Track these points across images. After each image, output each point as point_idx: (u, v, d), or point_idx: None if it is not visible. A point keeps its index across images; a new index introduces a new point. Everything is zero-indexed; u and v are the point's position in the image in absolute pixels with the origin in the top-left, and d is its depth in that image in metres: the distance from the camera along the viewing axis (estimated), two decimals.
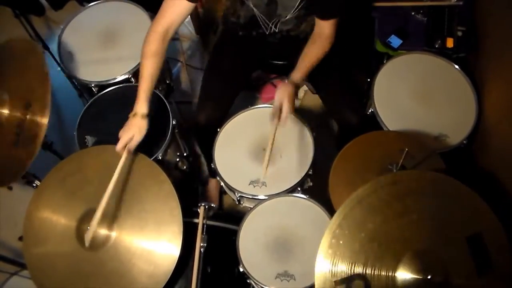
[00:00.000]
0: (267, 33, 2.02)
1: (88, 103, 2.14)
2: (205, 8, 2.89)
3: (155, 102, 1.93)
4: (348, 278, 1.35)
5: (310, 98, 2.70)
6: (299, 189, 1.90)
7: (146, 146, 1.89)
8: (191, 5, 1.78)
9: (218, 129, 2.03)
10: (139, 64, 2.12)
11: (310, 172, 1.91)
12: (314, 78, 2.12)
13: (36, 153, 1.78)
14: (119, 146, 1.75)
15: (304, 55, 1.88)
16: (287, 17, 1.93)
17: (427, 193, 1.45)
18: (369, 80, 2.14)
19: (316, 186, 2.00)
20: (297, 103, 2.70)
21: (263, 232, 1.80)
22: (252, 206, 1.87)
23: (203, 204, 1.81)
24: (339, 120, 2.08)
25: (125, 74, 2.16)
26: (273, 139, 1.75)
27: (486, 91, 1.95)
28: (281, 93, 1.76)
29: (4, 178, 1.86)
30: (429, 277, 1.31)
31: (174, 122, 2.02)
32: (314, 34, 1.91)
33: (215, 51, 2.22)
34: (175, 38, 2.79)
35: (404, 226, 1.40)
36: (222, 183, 1.97)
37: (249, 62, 2.17)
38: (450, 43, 2.04)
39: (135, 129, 1.77)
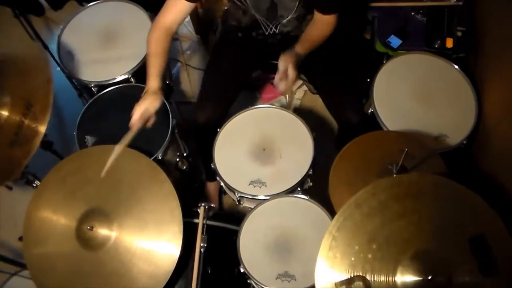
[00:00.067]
0: (266, 33, 2.02)
1: (88, 103, 2.13)
2: (204, 8, 2.89)
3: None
4: (349, 280, 1.35)
5: (310, 98, 2.70)
6: (299, 189, 1.90)
7: (146, 146, 1.90)
8: (191, 5, 1.80)
9: (218, 129, 2.03)
10: (139, 64, 2.15)
11: (310, 172, 1.91)
12: (315, 77, 2.13)
13: (33, 153, 1.78)
14: (135, 117, 1.77)
15: (306, 34, 1.91)
16: (288, 18, 1.94)
17: (427, 195, 1.44)
18: (368, 80, 2.14)
19: (316, 186, 2.00)
20: (297, 102, 2.70)
21: (263, 233, 1.80)
22: (252, 206, 1.88)
23: (203, 204, 1.81)
24: (340, 119, 2.08)
25: (124, 74, 2.15)
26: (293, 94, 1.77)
27: (486, 91, 1.95)
28: (285, 58, 1.82)
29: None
30: (429, 277, 1.31)
31: (174, 122, 2.02)
32: (314, 20, 1.91)
33: (214, 51, 2.22)
34: (175, 38, 2.79)
35: (403, 227, 1.40)
36: (222, 183, 1.97)
37: (249, 62, 2.18)
38: (449, 43, 2.04)
39: (148, 102, 1.79)
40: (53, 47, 2.36)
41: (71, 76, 2.22)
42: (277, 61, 2.00)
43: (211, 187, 2.40)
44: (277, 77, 1.83)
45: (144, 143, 1.95)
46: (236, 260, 1.76)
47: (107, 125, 2.06)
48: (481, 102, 1.95)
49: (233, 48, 2.12)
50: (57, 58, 2.26)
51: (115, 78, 2.16)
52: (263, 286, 1.71)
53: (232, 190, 1.93)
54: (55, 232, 1.71)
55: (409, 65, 2.06)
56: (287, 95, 2.11)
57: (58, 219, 1.73)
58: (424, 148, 1.76)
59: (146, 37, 1.88)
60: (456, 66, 2.03)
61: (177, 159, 2.20)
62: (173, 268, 1.61)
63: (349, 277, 1.36)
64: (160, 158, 1.97)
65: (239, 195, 1.92)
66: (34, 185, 1.99)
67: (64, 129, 2.74)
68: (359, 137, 1.83)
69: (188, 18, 2.60)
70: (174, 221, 1.66)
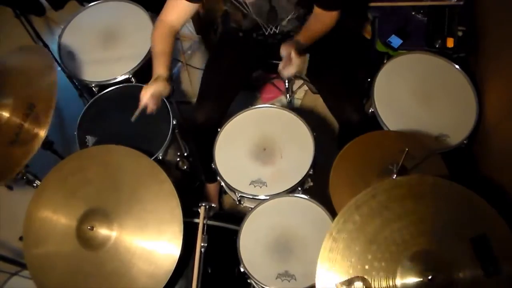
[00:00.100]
0: (267, 33, 2.03)
1: (89, 103, 2.14)
2: (205, 8, 2.89)
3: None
4: (349, 281, 1.35)
5: (310, 98, 2.70)
6: (299, 189, 1.90)
7: (146, 146, 1.90)
8: (193, 6, 1.80)
9: (219, 129, 2.03)
10: (139, 64, 2.15)
11: (311, 172, 1.91)
12: (316, 77, 2.12)
13: (32, 154, 1.79)
14: (145, 97, 1.78)
15: (307, 25, 1.92)
16: (288, 18, 1.94)
17: (427, 196, 1.44)
18: (369, 80, 2.14)
19: (316, 186, 2.00)
20: (297, 102, 2.70)
21: (263, 232, 1.80)
22: (252, 206, 1.87)
23: (203, 204, 1.81)
24: (340, 119, 2.07)
25: (125, 74, 2.16)
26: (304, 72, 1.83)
27: (486, 91, 1.95)
28: (286, 45, 1.83)
29: None
30: (429, 277, 1.31)
31: (174, 122, 2.02)
32: (315, 13, 1.92)
33: (214, 51, 2.22)
34: (175, 38, 2.79)
35: (403, 228, 1.40)
36: (222, 183, 1.97)
37: (249, 62, 2.18)
38: (450, 43, 2.04)
39: (157, 86, 1.80)
40: (54, 47, 2.36)
41: (71, 76, 2.23)
42: (278, 61, 2.01)
43: (211, 188, 2.39)
44: (281, 64, 1.83)
45: (145, 143, 1.96)
46: (236, 259, 1.76)
47: (108, 125, 2.07)
48: (482, 102, 1.94)
49: (233, 48, 2.12)
50: (57, 58, 2.26)
51: (115, 78, 2.16)
52: (263, 286, 1.71)
53: (233, 190, 1.92)
54: (55, 232, 1.72)
55: (409, 65, 2.05)
56: (288, 94, 2.11)
57: (58, 219, 1.73)
58: (425, 148, 1.76)
59: (146, 37, 1.89)
60: (457, 66, 2.02)
61: (178, 159, 2.20)
62: (173, 268, 1.61)
63: (349, 278, 1.36)
64: (160, 158, 1.97)
65: (239, 195, 1.92)
66: (35, 185, 1.99)
67: (64, 129, 2.74)
68: (360, 137, 1.83)
69: None
70: (175, 221, 1.66)
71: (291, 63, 1.81)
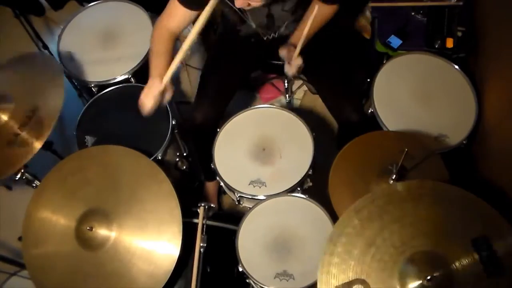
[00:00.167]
0: (265, 39, 2.03)
1: (88, 103, 2.14)
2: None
3: None
4: (349, 283, 1.35)
5: (310, 98, 2.70)
6: (299, 189, 1.90)
7: (146, 146, 1.90)
8: (194, 13, 1.79)
9: (218, 129, 2.03)
10: (139, 64, 2.15)
11: (310, 172, 1.91)
12: (315, 77, 2.12)
13: (30, 157, 1.81)
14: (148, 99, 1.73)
15: (305, 20, 1.89)
16: (285, 24, 1.94)
17: (426, 199, 1.45)
18: (369, 80, 2.14)
19: (316, 186, 2.00)
20: (297, 102, 2.70)
21: (262, 232, 1.80)
22: (251, 206, 1.87)
23: (202, 204, 1.81)
24: (340, 119, 2.07)
25: (125, 74, 2.16)
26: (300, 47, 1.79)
27: (486, 91, 1.95)
28: (285, 47, 1.85)
29: None
30: (428, 277, 1.31)
31: (174, 122, 2.02)
32: (314, 7, 1.91)
33: (213, 51, 2.22)
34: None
35: (402, 230, 1.40)
36: (222, 183, 1.97)
37: (247, 62, 2.17)
38: (450, 43, 2.04)
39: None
40: (53, 47, 2.37)
41: (71, 76, 2.23)
42: (276, 61, 2.02)
43: (210, 187, 2.39)
44: (285, 67, 1.87)
45: (144, 143, 1.96)
46: (235, 259, 1.76)
47: (107, 125, 2.07)
48: (481, 102, 1.95)
49: (232, 48, 2.12)
50: (57, 58, 2.26)
51: (115, 78, 2.16)
52: (262, 285, 1.71)
53: (232, 190, 1.93)
54: (54, 232, 1.72)
55: (409, 65, 2.06)
56: (287, 95, 2.11)
57: (57, 219, 1.73)
58: (424, 148, 1.76)
59: (146, 37, 1.88)
60: (456, 66, 2.02)
61: (177, 159, 2.20)
62: (173, 268, 1.61)
63: (349, 281, 1.36)
64: (160, 158, 1.97)
65: (238, 195, 1.92)
66: (34, 185, 1.99)
67: (64, 129, 2.73)
68: (359, 137, 1.83)
69: None
70: (174, 221, 1.66)
71: (291, 64, 1.83)
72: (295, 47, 1.80)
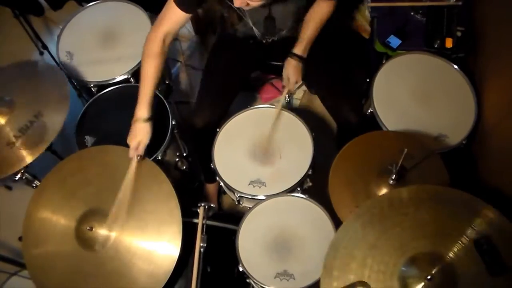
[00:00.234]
0: (264, 42, 2.03)
1: (88, 103, 2.14)
2: (204, 8, 2.89)
3: (154, 103, 1.93)
4: (350, 286, 1.36)
5: (309, 98, 2.70)
6: (298, 189, 1.90)
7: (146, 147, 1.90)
8: (187, 15, 1.80)
9: (218, 129, 2.03)
10: (138, 64, 2.14)
11: (310, 172, 1.91)
12: (313, 78, 2.12)
13: (29, 161, 1.83)
14: (131, 153, 1.78)
15: (307, 21, 1.94)
16: (288, 27, 1.95)
17: (427, 203, 1.46)
18: (368, 80, 2.14)
19: (315, 186, 2.00)
20: (297, 102, 2.70)
21: (262, 232, 1.80)
22: (251, 206, 1.87)
23: (202, 204, 1.81)
24: (339, 120, 2.08)
25: (124, 74, 2.16)
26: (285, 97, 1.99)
27: (485, 91, 1.95)
28: (287, 67, 1.98)
29: None
30: (428, 277, 1.31)
31: (173, 122, 2.02)
32: (315, 5, 1.93)
33: (212, 53, 2.21)
34: (174, 38, 2.79)
35: (403, 232, 1.41)
36: (221, 183, 1.97)
37: (247, 64, 2.17)
38: (449, 43, 2.04)
39: (140, 134, 1.80)
40: (53, 47, 2.36)
41: (70, 76, 2.22)
42: (276, 62, 2.02)
43: (210, 188, 2.39)
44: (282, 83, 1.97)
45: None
46: (235, 259, 1.76)
47: (107, 125, 2.07)
48: (481, 102, 1.95)
49: (231, 50, 2.11)
50: (56, 58, 2.26)
51: (114, 78, 2.16)
52: (262, 285, 1.71)
53: (232, 190, 1.93)
54: (54, 232, 1.72)
55: (408, 65, 2.06)
56: (287, 95, 2.11)
57: (57, 219, 1.73)
58: (424, 148, 1.76)
59: (145, 37, 1.87)
60: (456, 66, 2.02)
61: (177, 159, 2.20)
62: (173, 268, 1.61)
63: (350, 283, 1.36)
64: (159, 158, 1.97)
65: (238, 195, 1.92)
66: (34, 185, 1.99)
67: (63, 129, 2.73)
68: (359, 137, 1.83)
69: None
70: (174, 221, 1.66)
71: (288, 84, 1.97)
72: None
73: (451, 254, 1.36)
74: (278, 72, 2.05)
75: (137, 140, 1.79)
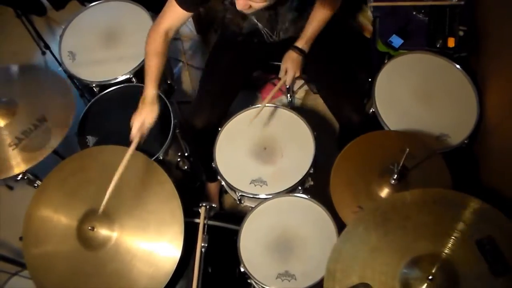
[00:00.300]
0: (268, 42, 2.02)
1: (89, 103, 2.14)
2: (206, 7, 2.89)
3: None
4: (354, 287, 1.36)
5: (311, 97, 2.70)
6: (300, 188, 1.90)
7: (147, 146, 1.90)
8: (189, 14, 1.80)
9: (219, 128, 2.03)
10: (140, 64, 2.15)
11: (311, 171, 1.91)
12: (316, 77, 2.12)
13: (30, 165, 1.83)
14: (134, 131, 1.76)
15: (311, 18, 1.93)
16: (287, 24, 1.94)
17: (429, 204, 1.45)
18: (370, 80, 2.13)
19: (317, 185, 2.00)
20: (298, 102, 2.70)
21: (264, 232, 1.80)
22: (253, 206, 1.87)
23: (204, 204, 1.81)
24: (341, 120, 2.07)
25: (126, 74, 2.16)
26: (272, 95, 1.93)
27: (487, 91, 1.94)
28: (286, 59, 1.97)
29: None
30: (430, 277, 1.31)
31: (175, 122, 2.02)
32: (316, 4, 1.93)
33: (213, 53, 2.21)
34: (176, 38, 2.79)
35: (406, 233, 1.41)
36: (223, 182, 1.97)
37: (248, 63, 2.17)
38: (451, 42, 2.03)
39: (146, 113, 1.78)
40: (55, 47, 2.36)
41: (72, 76, 2.22)
42: (278, 62, 2.02)
43: (212, 187, 2.39)
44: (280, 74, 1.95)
45: (146, 143, 1.95)
46: (236, 259, 1.76)
47: (109, 125, 2.07)
48: (483, 102, 1.94)
49: (232, 50, 2.11)
50: (58, 58, 2.26)
51: (116, 78, 2.16)
52: (264, 286, 1.71)
53: (233, 189, 1.92)
54: (55, 232, 1.72)
55: (410, 64, 2.05)
56: (289, 94, 2.11)
57: (58, 219, 1.73)
58: (426, 148, 1.76)
59: (146, 38, 1.88)
60: (458, 66, 2.02)
61: (178, 159, 2.20)
62: (174, 270, 1.61)
63: (353, 285, 1.36)
64: (161, 158, 1.97)
65: (240, 194, 1.91)
66: (35, 185, 2.00)
67: None
68: (361, 137, 1.83)
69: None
70: (176, 222, 1.66)
71: (286, 77, 1.96)
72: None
73: (453, 256, 1.36)
74: (278, 72, 2.05)
75: (142, 118, 1.77)
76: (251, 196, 1.88)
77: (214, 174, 2.03)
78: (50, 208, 1.75)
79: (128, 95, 2.10)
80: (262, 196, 1.87)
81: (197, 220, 1.79)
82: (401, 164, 1.59)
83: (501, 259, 1.33)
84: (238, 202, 1.99)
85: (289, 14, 1.93)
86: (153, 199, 1.71)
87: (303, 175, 1.88)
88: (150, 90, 1.80)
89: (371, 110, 1.99)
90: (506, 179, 1.76)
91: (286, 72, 1.98)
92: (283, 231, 1.80)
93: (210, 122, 2.01)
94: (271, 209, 1.85)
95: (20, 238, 1.77)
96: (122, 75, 2.16)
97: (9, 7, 2.46)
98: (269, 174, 1.91)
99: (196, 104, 2.07)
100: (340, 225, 1.71)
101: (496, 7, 1.97)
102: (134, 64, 2.16)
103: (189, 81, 2.83)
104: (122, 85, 2.16)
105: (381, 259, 1.38)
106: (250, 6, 1.60)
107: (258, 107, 2.06)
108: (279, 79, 2.01)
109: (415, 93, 1.98)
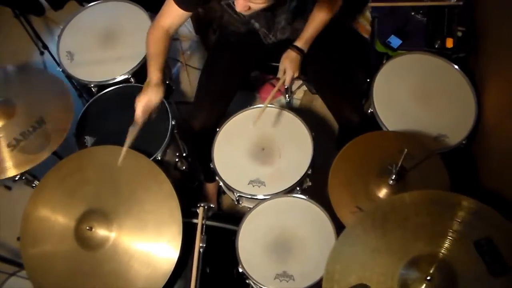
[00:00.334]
0: (265, 43, 2.02)
1: (88, 103, 2.14)
2: (204, 7, 2.89)
3: None
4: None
5: (309, 98, 2.70)
6: (298, 188, 1.90)
7: (145, 146, 1.89)
8: (188, 14, 1.80)
9: (218, 129, 2.03)
10: (138, 64, 2.15)
11: (309, 172, 1.91)
12: (315, 77, 2.12)
13: (28, 167, 1.83)
14: (138, 112, 1.75)
15: (311, 19, 1.93)
16: (283, 24, 1.94)
17: (427, 205, 1.45)
18: (368, 80, 2.13)
19: (315, 185, 2.00)
20: (297, 102, 2.70)
21: (262, 233, 1.80)
22: (251, 206, 1.87)
23: (202, 205, 1.81)
24: (340, 120, 2.07)
25: (124, 74, 2.15)
26: (272, 96, 1.91)
27: (485, 91, 1.95)
28: (284, 59, 1.95)
29: None
30: (428, 278, 1.31)
31: (173, 123, 2.02)
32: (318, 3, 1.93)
33: (211, 54, 2.21)
34: (174, 38, 2.79)
35: (404, 235, 1.41)
36: (221, 183, 1.97)
37: (246, 64, 2.17)
38: (450, 43, 2.03)
39: (151, 93, 1.77)
40: (53, 47, 2.36)
41: (70, 76, 2.22)
42: (275, 63, 2.01)
43: (210, 187, 2.39)
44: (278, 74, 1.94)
45: (144, 143, 1.95)
46: (235, 260, 1.76)
47: (107, 125, 2.06)
48: (481, 102, 1.94)
49: (230, 51, 2.11)
50: (56, 58, 2.26)
51: (115, 78, 2.16)
52: (262, 286, 1.71)
53: (231, 189, 1.92)
54: (53, 232, 1.72)
55: (409, 65, 2.05)
56: (287, 95, 2.11)
57: (56, 219, 1.73)
58: (424, 148, 1.76)
59: (145, 37, 1.88)
60: (456, 66, 2.02)
61: (177, 159, 2.20)
62: (171, 271, 1.61)
63: (352, 286, 1.36)
64: (159, 158, 1.97)
65: (238, 194, 1.91)
66: (33, 185, 1.99)
67: None
68: (359, 137, 1.83)
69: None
70: (174, 222, 1.66)
71: (284, 77, 1.95)
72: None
73: (452, 257, 1.36)
74: (276, 73, 2.04)
75: (147, 98, 1.75)
76: (249, 196, 1.88)
77: (212, 174, 2.03)
78: (48, 208, 1.75)
79: (126, 96, 2.09)
80: (260, 197, 1.87)
81: (195, 221, 1.79)
82: (399, 165, 1.59)
83: (499, 259, 1.33)
84: (236, 203, 1.99)
85: (287, 15, 1.92)
86: (151, 199, 1.71)
87: (301, 175, 1.88)
88: (155, 74, 1.79)
89: (369, 111, 1.99)
90: (505, 179, 1.76)
91: (284, 72, 1.98)
92: (281, 232, 1.79)
93: (209, 123, 2.01)
94: (269, 209, 1.85)
95: (18, 238, 1.76)
96: (120, 76, 2.15)
97: (7, 7, 2.46)
98: (267, 174, 1.91)
99: (195, 104, 2.06)
100: (338, 226, 1.71)
101: (495, 7, 1.97)
102: (132, 65, 2.16)
103: (187, 81, 2.83)
104: (120, 85, 2.16)
105: (379, 260, 1.38)
106: (250, 8, 1.60)
107: (258, 107, 2.06)
108: (278, 79, 2.00)
109: (414, 94, 1.98)
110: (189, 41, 2.97)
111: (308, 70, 2.07)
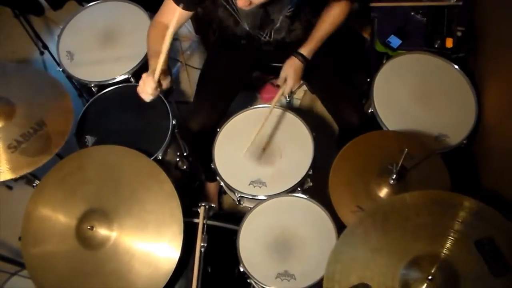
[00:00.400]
0: (262, 42, 2.02)
1: (88, 103, 2.14)
2: (203, 7, 2.88)
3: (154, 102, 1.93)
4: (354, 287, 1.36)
5: (310, 98, 2.70)
6: (299, 189, 1.90)
7: (146, 146, 1.90)
8: (188, 13, 1.80)
9: (218, 129, 2.03)
10: (138, 64, 2.15)
11: (310, 172, 1.91)
12: (314, 78, 2.12)
13: (29, 170, 1.81)
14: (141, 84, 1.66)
15: (318, 28, 1.92)
16: (280, 20, 1.92)
17: (427, 206, 1.46)
18: (368, 80, 2.14)
19: (316, 185, 2.00)
20: (297, 102, 2.70)
21: (263, 232, 1.80)
22: (252, 206, 1.87)
23: (203, 204, 1.81)
24: (340, 121, 2.07)
25: (124, 74, 2.15)
26: (273, 107, 1.92)
27: (485, 91, 1.95)
28: (287, 67, 1.93)
29: None
30: (429, 277, 1.31)
31: (174, 122, 2.02)
32: (326, 8, 1.92)
33: (211, 54, 2.20)
34: (174, 38, 2.78)
35: (404, 235, 1.41)
36: (222, 183, 1.97)
37: (247, 64, 2.16)
38: (449, 43, 2.04)
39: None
40: (53, 47, 2.36)
41: (70, 76, 2.22)
42: (275, 63, 2.01)
43: (211, 187, 2.39)
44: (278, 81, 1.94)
45: (144, 143, 1.96)
46: (236, 259, 1.76)
47: (107, 125, 2.07)
48: (481, 102, 1.95)
49: (230, 51, 2.10)
50: (56, 58, 2.26)
51: (115, 78, 2.16)
52: (263, 286, 1.71)
53: (232, 190, 1.93)
54: (54, 232, 1.71)
55: (409, 65, 2.06)
56: (287, 95, 2.11)
57: (57, 218, 1.73)
58: (424, 148, 1.76)
59: (146, 37, 1.88)
60: (456, 66, 2.02)
61: (177, 159, 2.20)
62: (173, 270, 1.61)
63: (353, 285, 1.37)
64: (160, 158, 1.97)
65: (239, 195, 1.92)
66: (34, 184, 1.99)
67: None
68: (359, 137, 1.83)
69: None
70: (175, 222, 1.66)
71: (285, 86, 1.94)
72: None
73: (446, 251, 1.37)
74: (278, 73, 2.04)
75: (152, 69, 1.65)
76: (250, 197, 1.88)
77: (213, 174, 2.03)
78: (48, 207, 1.75)
79: (126, 95, 2.10)
80: (262, 197, 1.87)
81: (196, 220, 1.80)
82: (400, 164, 1.59)
83: (500, 259, 1.33)
84: (237, 203, 1.99)
85: (281, 15, 1.91)
86: (152, 199, 1.71)
87: (302, 176, 1.88)
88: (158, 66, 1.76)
89: (369, 111, 2.00)
90: (505, 179, 1.76)
91: (285, 80, 1.96)
92: (282, 231, 1.80)
93: (208, 123, 2.00)
94: (270, 209, 1.85)
95: (19, 238, 1.76)
96: (120, 75, 2.16)
97: (7, 7, 2.45)
98: (268, 175, 1.91)
99: (194, 105, 2.06)
100: (339, 225, 1.72)
101: (494, 7, 1.98)
102: (132, 64, 2.16)
103: (187, 81, 2.83)
104: (120, 85, 2.16)
105: (380, 260, 1.39)
106: (251, 3, 1.59)
107: (258, 107, 2.07)
108: (278, 81, 2.00)
109: (414, 94, 1.99)
110: (189, 41, 2.97)
111: (307, 71, 2.07)
